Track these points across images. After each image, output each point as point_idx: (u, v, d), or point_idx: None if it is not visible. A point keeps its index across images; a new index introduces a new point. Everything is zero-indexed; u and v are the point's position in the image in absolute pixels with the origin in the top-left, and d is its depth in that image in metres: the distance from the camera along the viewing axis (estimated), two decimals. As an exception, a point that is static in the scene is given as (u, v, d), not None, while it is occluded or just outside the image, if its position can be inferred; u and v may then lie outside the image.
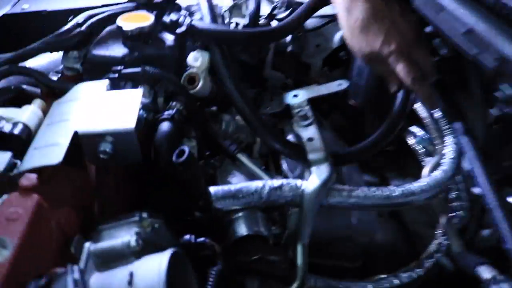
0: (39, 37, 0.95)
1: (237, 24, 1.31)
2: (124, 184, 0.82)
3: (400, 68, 0.80)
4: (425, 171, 0.97)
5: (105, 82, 0.83)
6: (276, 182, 0.85)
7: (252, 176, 0.93)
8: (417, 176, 1.27)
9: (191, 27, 0.93)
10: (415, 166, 1.19)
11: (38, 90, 0.91)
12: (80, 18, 1.02)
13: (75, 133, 0.70)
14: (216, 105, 1.03)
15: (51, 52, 0.95)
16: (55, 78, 0.96)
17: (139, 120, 0.75)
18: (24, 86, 0.93)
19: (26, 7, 1.16)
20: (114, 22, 0.95)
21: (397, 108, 0.93)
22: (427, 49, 0.83)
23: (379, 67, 0.85)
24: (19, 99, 0.88)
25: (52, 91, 0.88)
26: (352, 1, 0.82)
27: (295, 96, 1.06)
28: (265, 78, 1.12)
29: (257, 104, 1.16)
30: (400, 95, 0.94)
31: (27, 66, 0.99)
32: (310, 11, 1.00)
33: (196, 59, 0.91)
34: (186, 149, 0.74)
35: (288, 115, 1.03)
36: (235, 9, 1.33)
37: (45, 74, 0.92)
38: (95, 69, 0.91)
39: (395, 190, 0.86)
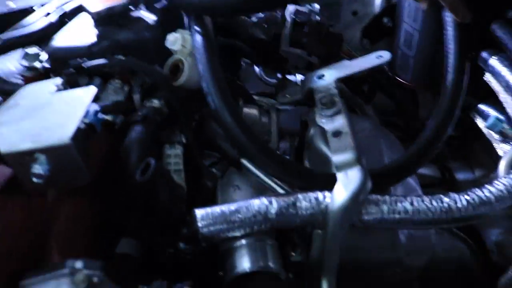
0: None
1: None
2: (90, 209, 0.63)
3: None
4: (501, 165, 0.70)
5: (57, 81, 0.64)
6: (289, 196, 0.62)
7: (264, 188, 0.70)
8: (489, 165, 1.01)
9: None
10: (486, 153, 0.97)
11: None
12: (49, 7, 0.85)
13: (-4, 153, 0.52)
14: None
15: (8, 50, 0.79)
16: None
17: (91, 127, 0.57)
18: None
19: (12, 5, 1.07)
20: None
21: (452, 83, 0.66)
22: None
23: None
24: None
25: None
26: None
27: (321, 77, 0.82)
28: (285, 57, 0.89)
29: (277, 92, 0.93)
30: (452, 62, 0.68)
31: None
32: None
33: (175, 41, 0.70)
34: (152, 162, 0.55)
35: (313, 103, 0.79)
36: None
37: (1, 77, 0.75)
38: (59, 66, 0.72)
39: (459, 199, 0.61)
